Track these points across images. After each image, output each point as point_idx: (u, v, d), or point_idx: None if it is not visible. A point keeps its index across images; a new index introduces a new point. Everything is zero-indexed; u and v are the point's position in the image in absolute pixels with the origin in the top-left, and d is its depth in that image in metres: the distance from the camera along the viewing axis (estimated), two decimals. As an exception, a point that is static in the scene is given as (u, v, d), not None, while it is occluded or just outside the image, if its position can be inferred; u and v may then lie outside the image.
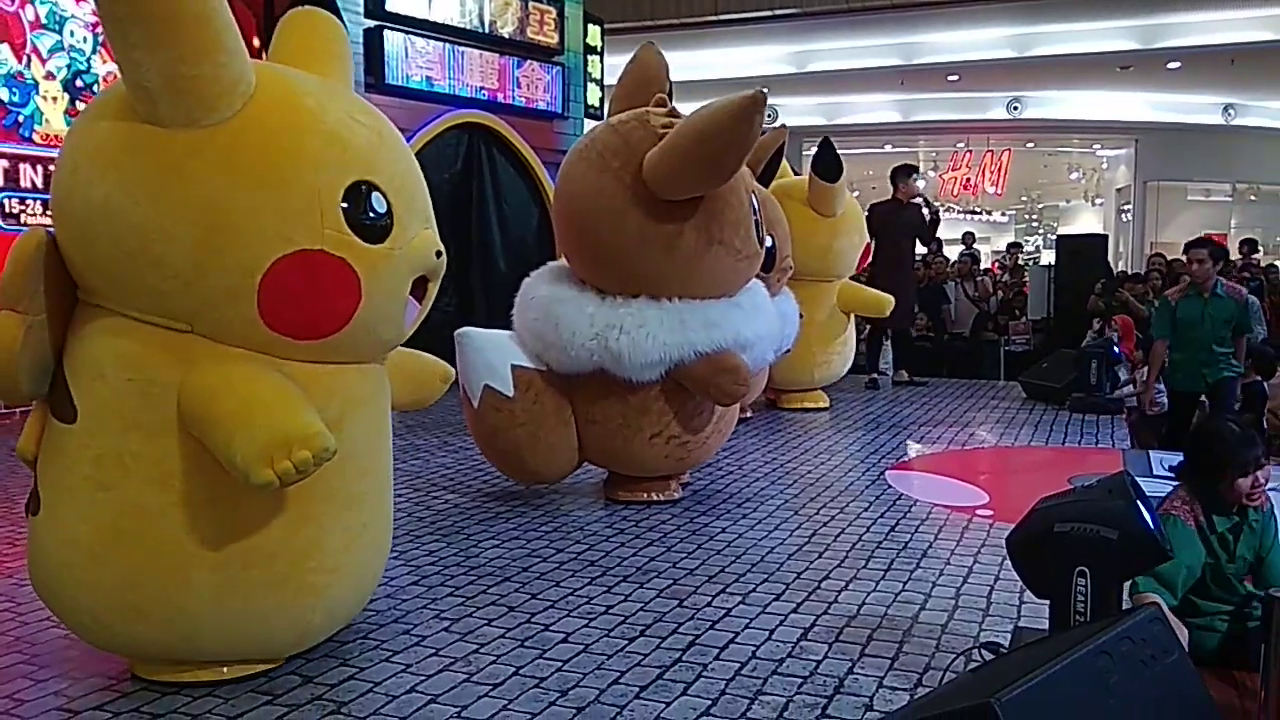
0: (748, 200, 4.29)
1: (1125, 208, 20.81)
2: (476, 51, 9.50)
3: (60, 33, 7.21)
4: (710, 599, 3.40)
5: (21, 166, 7.00)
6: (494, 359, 4.26)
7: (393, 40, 8.71)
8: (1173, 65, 15.06)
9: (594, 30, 11.06)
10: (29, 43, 7.03)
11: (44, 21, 7.10)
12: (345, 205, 2.46)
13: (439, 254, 2.69)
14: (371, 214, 2.50)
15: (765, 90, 3.81)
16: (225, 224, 2.34)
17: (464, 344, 4.31)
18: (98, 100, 2.56)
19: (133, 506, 2.44)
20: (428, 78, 9.04)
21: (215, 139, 2.35)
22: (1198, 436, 3.06)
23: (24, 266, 2.39)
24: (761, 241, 4.45)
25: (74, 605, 2.57)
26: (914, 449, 6.12)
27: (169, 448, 2.42)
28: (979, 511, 4.57)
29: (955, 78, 16.50)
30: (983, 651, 2.72)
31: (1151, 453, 5.51)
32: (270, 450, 2.24)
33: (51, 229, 2.50)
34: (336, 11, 2.99)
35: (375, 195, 2.51)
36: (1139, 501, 2.44)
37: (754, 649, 2.97)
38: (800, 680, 2.75)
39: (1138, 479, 2.59)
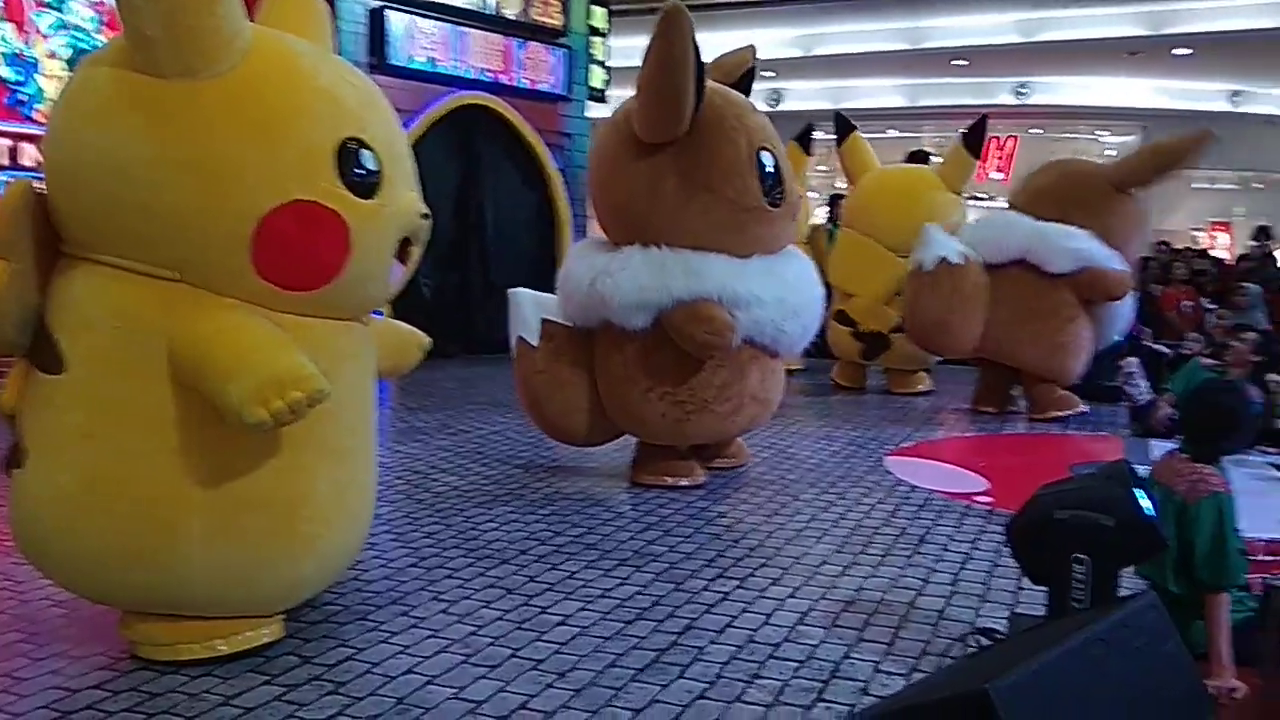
0: (747, 152, 4.22)
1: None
2: (480, 32, 9.45)
3: (61, 10, 7.18)
4: (707, 583, 3.40)
5: (23, 145, 6.98)
6: (529, 314, 4.57)
7: (396, 20, 8.66)
8: (1180, 52, 14.93)
9: (599, 12, 10.98)
10: (29, 20, 7.00)
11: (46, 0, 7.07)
12: (338, 160, 2.50)
13: (425, 215, 2.74)
14: (362, 170, 2.56)
15: (681, 4, 3.93)
16: (221, 173, 2.38)
17: (511, 302, 4.63)
18: (94, 53, 2.58)
19: (124, 453, 2.45)
20: (431, 59, 8.99)
21: (213, 90, 2.39)
22: None
23: (9, 214, 2.43)
24: (781, 196, 4.32)
25: (66, 556, 2.56)
26: (914, 435, 6.12)
27: (160, 394, 2.44)
28: (978, 498, 4.57)
29: (962, 62, 16.39)
30: (980, 637, 2.72)
31: (1151, 440, 5.49)
32: (264, 391, 2.28)
33: (39, 178, 2.53)
34: None
35: (365, 153, 2.57)
36: (1137, 489, 2.44)
37: (751, 633, 2.98)
38: (797, 664, 2.76)
39: (1136, 467, 2.59)
